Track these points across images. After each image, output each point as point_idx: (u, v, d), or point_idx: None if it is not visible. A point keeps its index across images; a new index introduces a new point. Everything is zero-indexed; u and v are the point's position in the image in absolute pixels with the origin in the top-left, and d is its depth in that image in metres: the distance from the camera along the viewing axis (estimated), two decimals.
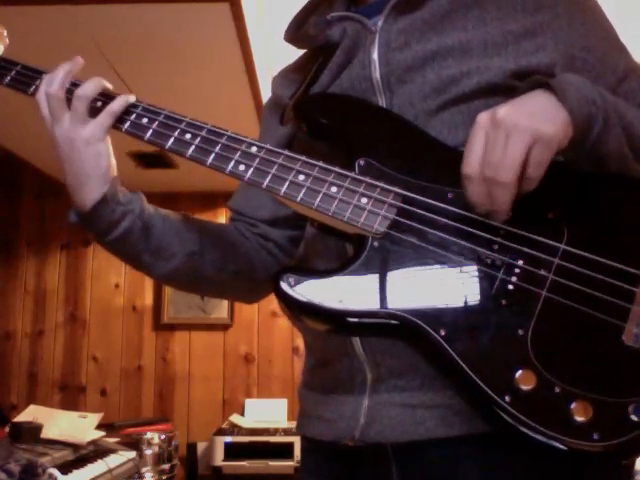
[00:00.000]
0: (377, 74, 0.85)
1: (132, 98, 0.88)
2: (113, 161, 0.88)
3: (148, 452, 3.26)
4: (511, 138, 0.66)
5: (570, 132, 0.69)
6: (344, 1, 0.95)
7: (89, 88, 0.86)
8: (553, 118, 0.69)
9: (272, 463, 3.35)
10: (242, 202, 1.05)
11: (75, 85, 0.87)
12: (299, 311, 0.74)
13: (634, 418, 0.64)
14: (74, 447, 2.68)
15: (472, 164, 0.68)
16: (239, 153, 0.82)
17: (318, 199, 0.77)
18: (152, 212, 0.91)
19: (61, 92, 0.85)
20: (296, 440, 3.29)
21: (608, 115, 0.72)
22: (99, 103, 0.87)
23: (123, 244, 0.89)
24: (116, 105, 0.86)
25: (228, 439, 3.42)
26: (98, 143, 0.85)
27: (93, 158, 0.85)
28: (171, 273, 0.93)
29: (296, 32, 0.95)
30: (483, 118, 0.69)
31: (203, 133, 0.84)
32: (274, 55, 2.69)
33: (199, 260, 0.94)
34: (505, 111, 0.68)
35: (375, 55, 0.85)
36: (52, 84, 0.86)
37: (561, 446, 0.64)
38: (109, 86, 0.89)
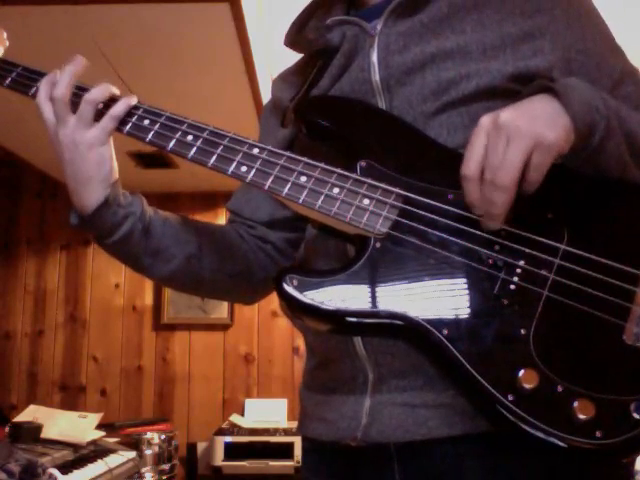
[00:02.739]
0: (377, 77, 0.85)
1: (134, 100, 0.88)
2: (115, 164, 0.89)
3: (148, 452, 3.26)
4: (512, 142, 0.67)
5: (572, 138, 0.70)
6: (343, 5, 0.96)
7: (98, 93, 0.86)
8: (555, 123, 0.69)
9: (272, 463, 3.35)
10: (240, 204, 1.05)
11: (79, 89, 0.87)
12: (301, 311, 0.74)
13: (636, 416, 0.64)
14: (74, 447, 2.69)
15: (471, 165, 0.69)
16: (241, 154, 0.82)
17: (320, 200, 0.77)
18: (152, 214, 0.92)
19: (68, 95, 0.85)
20: (296, 440, 3.29)
21: (610, 122, 0.72)
22: (101, 106, 0.87)
23: (123, 246, 0.89)
24: (118, 109, 0.86)
25: (228, 439, 3.43)
26: (101, 147, 0.86)
27: (96, 162, 0.85)
28: (170, 275, 0.94)
29: (295, 36, 0.95)
30: (485, 121, 0.70)
31: (205, 135, 0.85)
32: (274, 55, 2.69)
33: (197, 262, 0.95)
34: (508, 115, 0.68)
35: (374, 58, 0.85)
36: (58, 87, 0.85)
37: (560, 443, 0.64)
38: (117, 92, 0.89)
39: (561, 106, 0.70)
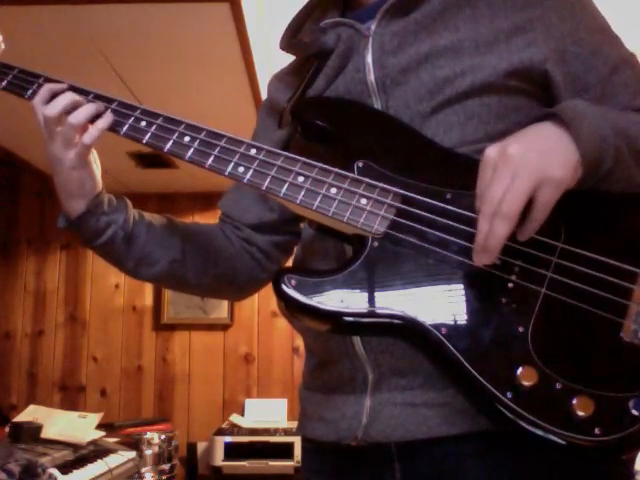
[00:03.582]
0: (372, 77, 0.85)
1: (107, 120, 0.88)
2: (98, 179, 0.90)
3: (148, 452, 3.26)
4: (518, 176, 0.65)
5: (579, 173, 0.69)
6: (337, 7, 0.96)
7: (81, 115, 0.86)
8: (564, 161, 0.68)
9: (272, 463, 3.35)
10: (230, 205, 1.06)
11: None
12: (300, 312, 0.74)
13: (635, 412, 0.64)
14: (74, 447, 2.69)
15: (480, 199, 0.68)
16: (238, 155, 0.82)
17: (318, 200, 0.77)
18: (137, 220, 0.93)
19: (59, 118, 0.86)
20: (296, 440, 3.29)
21: (619, 151, 0.71)
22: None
23: (107, 250, 0.92)
24: (90, 136, 0.86)
25: (228, 439, 3.42)
26: (81, 169, 0.88)
27: (77, 181, 0.88)
28: (154, 278, 0.97)
29: (291, 40, 0.95)
30: (492, 153, 0.68)
31: (202, 136, 0.85)
32: (274, 55, 2.69)
33: (181, 266, 0.96)
34: (516, 148, 0.67)
35: (369, 58, 0.85)
36: (55, 108, 0.86)
37: (560, 440, 0.64)
38: (101, 108, 0.89)
39: (570, 139, 0.69)
